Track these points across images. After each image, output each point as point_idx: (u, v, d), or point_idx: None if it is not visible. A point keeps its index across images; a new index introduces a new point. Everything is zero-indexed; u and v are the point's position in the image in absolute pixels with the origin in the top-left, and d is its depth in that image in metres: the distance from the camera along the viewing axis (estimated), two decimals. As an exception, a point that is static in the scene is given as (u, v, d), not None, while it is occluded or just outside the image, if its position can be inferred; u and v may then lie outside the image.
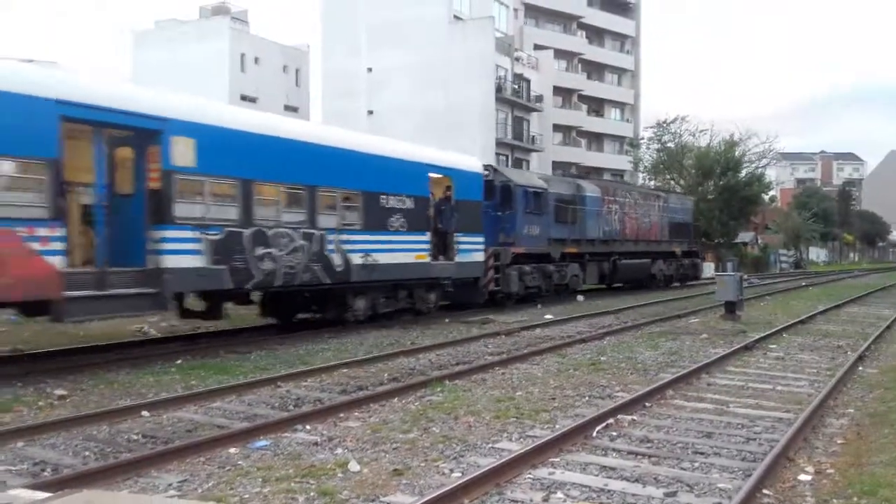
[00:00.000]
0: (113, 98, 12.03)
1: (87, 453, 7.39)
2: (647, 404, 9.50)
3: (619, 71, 75.40)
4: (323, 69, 53.98)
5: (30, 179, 10.69)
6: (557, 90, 64.25)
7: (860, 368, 12.54)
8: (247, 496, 6.18)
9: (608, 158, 69.97)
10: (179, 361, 12.66)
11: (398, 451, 7.47)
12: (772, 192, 76.48)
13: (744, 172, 57.08)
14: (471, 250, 20.35)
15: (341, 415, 8.89)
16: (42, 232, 10.66)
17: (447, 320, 19.11)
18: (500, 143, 51.96)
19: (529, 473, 6.72)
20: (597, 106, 71.79)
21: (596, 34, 72.35)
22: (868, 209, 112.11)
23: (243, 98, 51.57)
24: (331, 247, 15.69)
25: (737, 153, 56.49)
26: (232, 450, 7.45)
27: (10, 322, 17.97)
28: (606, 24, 72.92)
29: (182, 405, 9.40)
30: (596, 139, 71.16)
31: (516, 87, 55.10)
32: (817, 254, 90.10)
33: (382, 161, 17.40)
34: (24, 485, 5.97)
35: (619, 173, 67.58)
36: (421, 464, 7.04)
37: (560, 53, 65.69)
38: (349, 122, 42.08)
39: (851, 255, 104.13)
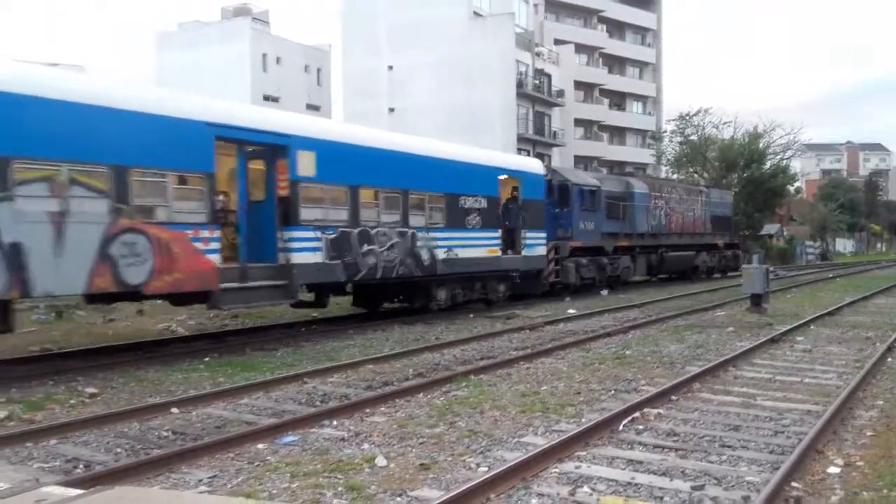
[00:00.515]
0: (250, 119, 14.39)
1: (118, 450, 7.50)
2: (673, 398, 9.46)
3: (641, 64, 74.88)
4: (344, 68, 54.11)
5: (194, 190, 12.90)
6: (578, 84, 63.94)
7: (889, 360, 12.40)
8: (275, 491, 6.24)
9: (630, 152, 69.55)
10: (207, 359, 12.81)
11: (424, 445, 7.51)
12: (797, 184, 75.66)
13: (768, 164, 56.52)
14: (535, 245, 22.26)
15: (367, 410, 8.95)
16: (204, 234, 12.92)
17: (471, 315, 19.12)
18: (521, 139, 51.81)
19: (556, 467, 6.73)
20: (618, 100, 71.37)
21: (617, 28, 71.89)
22: (895, 199, 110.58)
23: (266, 98, 51.85)
24: (420, 243, 17.77)
25: (761, 145, 55.95)
26: (260, 445, 7.53)
27: (40, 322, 18.25)
28: (627, 18, 72.40)
29: (211, 402, 9.51)
30: (618, 133, 70.73)
31: (537, 82, 54.90)
32: (844, 245, 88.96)
33: (461, 166, 19.57)
34: (57, 482, 6.07)
35: (641, 167, 67.14)
36: (447, 458, 7.08)
37: (581, 48, 65.36)
38: (371, 120, 42.13)
39: (879, 245, 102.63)
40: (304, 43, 59.19)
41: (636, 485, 6.34)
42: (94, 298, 13.26)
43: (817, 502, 6.02)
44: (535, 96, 54.36)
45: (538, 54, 55.85)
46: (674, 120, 59.98)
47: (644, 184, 30.58)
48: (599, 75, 67.48)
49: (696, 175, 55.51)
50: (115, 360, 12.36)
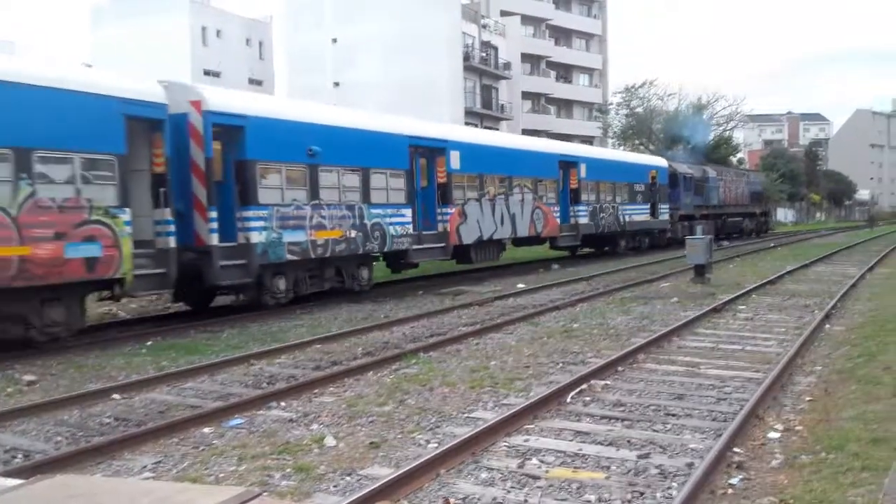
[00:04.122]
0: (568, 150, 29.27)
1: (58, 438, 7.33)
2: (619, 369, 9.60)
3: (587, 36, 75.00)
4: (287, 42, 53.17)
5: (553, 186, 26.34)
6: (525, 57, 63.87)
7: (827, 326, 12.75)
8: (222, 475, 6.17)
9: (578, 125, 69.74)
10: (150, 343, 12.53)
11: (374, 424, 7.49)
12: (740, 154, 76.98)
13: (711, 135, 57.44)
14: (664, 213, 34.96)
15: (316, 390, 8.89)
16: (555, 208, 25.86)
17: (420, 293, 19.09)
18: (469, 112, 51.67)
19: (505, 441, 6.79)
20: (565, 72, 71.47)
21: (563, -1, 71.80)
22: (834, 169, 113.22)
23: (206, 73, 50.60)
24: (619, 212, 30.58)
25: (704, 116, 56.82)
26: (206, 429, 7.43)
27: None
28: (573, -11, 72.32)
29: (154, 386, 9.34)
30: (565, 106, 70.93)
31: (484, 54, 54.73)
32: (785, 214, 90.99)
33: (633, 165, 33.66)
34: (-6, 472, 5.90)
35: (588, 140, 67.56)
36: (397, 436, 7.08)
37: (527, 20, 65.15)
38: (315, 95, 41.55)
39: (818, 214, 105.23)
40: (245, 15, 57.90)
41: (584, 455, 6.43)
42: (519, 241, 25.26)
43: (759, 467, 6.16)
44: (482, 69, 54.20)
45: (484, 26, 55.63)
46: (620, 92, 60.56)
47: (713, 169, 43.24)
48: (546, 47, 67.43)
49: (641, 147, 56.20)
50: (53, 345, 12.02)
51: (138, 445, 6.91)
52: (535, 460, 6.34)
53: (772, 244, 38.86)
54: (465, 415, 7.75)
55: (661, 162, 36.28)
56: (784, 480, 5.85)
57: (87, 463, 6.47)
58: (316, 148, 15.97)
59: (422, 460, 5.99)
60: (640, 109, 58.48)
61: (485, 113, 54.38)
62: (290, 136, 15.62)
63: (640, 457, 6.35)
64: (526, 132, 59.41)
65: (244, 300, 15.68)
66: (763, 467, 6.17)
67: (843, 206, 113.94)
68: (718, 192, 41.86)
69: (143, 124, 13.04)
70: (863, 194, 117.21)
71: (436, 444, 6.73)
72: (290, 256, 15.43)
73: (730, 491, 5.67)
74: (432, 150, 20.17)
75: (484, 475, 6.03)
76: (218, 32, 54.26)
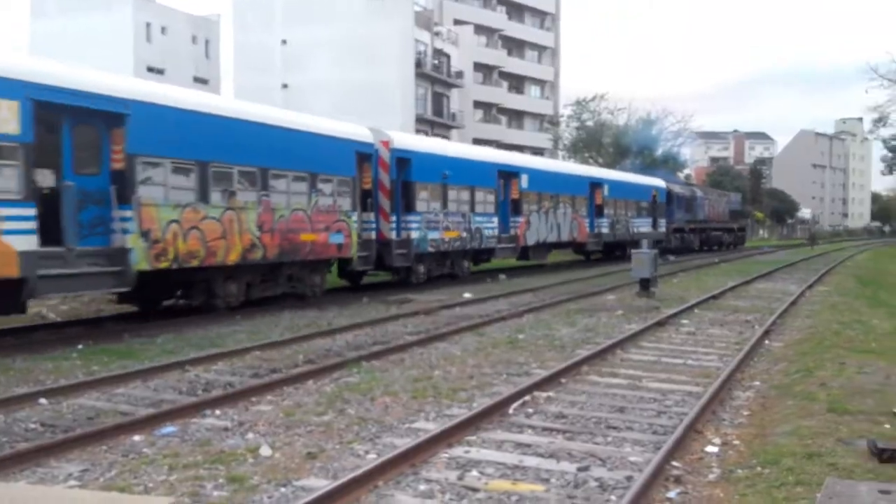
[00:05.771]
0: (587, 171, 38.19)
1: (-20, 445, 7.01)
2: (562, 381, 9.60)
3: (540, 48, 75.75)
4: (235, 41, 52.42)
5: (585, 203, 32.98)
6: (478, 66, 64.20)
7: (766, 342, 12.97)
8: (152, 485, 5.97)
9: (528, 136, 70.27)
10: (81, 346, 12.09)
11: (312, 434, 7.34)
12: (687, 171, 78.47)
13: (660, 151, 58.48)
14: (662, 225, 41.78)
15: (253, 399, 8.67)
16: (586, 219, 32.74)
17: (365, 300, 18.92)
18: (420, 119, 51.64)
19: (445, 452, 6.71)
20: (517, 83, 72.02)
21: (516, 10, 72.34)
22: (778, 187, 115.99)
23: (149, 70, 49.36)
24: (630, 224, 37.30)
25: (653, 132, 57.84)
26: (136, 437, 7.19)
27: None
28: (527, 0, 72.95)
29: (83, 392, 9.01)
30: (516, 116, 71.45)
31: (436, 62, 54.83)
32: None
33: (641, 186, 40.04)
34: None
35: (539, 151, 68.15)
36: (336, 446, 6.95)
37: (480, 29, 65.55)
38: (263, 97, 40.92)
39: (761, 232, 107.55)
40: (191, 12, 56.86)
41: (524, 468, 6.38)
42: (555, 245, 30.72)
43: (696, 481, 6.19)
44: (434, 77, 54.28)
45: (437, 34, 55.73)
46: (571, 105, 61.27)
47: (700, 190, 52.25)
48: (499, 57, 67.85)
49: (591, 160, 56.90)
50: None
51: (65, 452, 6.65)
52: (475, 472, 6.27)
53: (716, 260, 39.59)
54: (407, 425, 7.65)
55: (660, 183, 43.33)
56: (720, 494, 5.89)
57: (11, 469, 6.22)
58: (447, 172, 22.80)
59: (360, 471, 5.87)
60: (590, 123, 59.23)
61: (436, 121, 54.44)
62: (434, 165, 22.56)
63: (580, 469, 6.34)
64: (476, 141, 59.60)
65: (396, 279, 22.05)
66: (700, 481, 6.20)
67: (785, 225, 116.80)
68: (704, 209, 49.18)
69: (361, 156, 19.36)
70: (805, 213, 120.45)
71: (375, 455, 6.62)
72: (430, 249, 22.02)
73: (667, 505, 5.66)
74: (510, 174, 27.10)
75: (423, 487, 5.94)
76: (163, 29, 53.08)
